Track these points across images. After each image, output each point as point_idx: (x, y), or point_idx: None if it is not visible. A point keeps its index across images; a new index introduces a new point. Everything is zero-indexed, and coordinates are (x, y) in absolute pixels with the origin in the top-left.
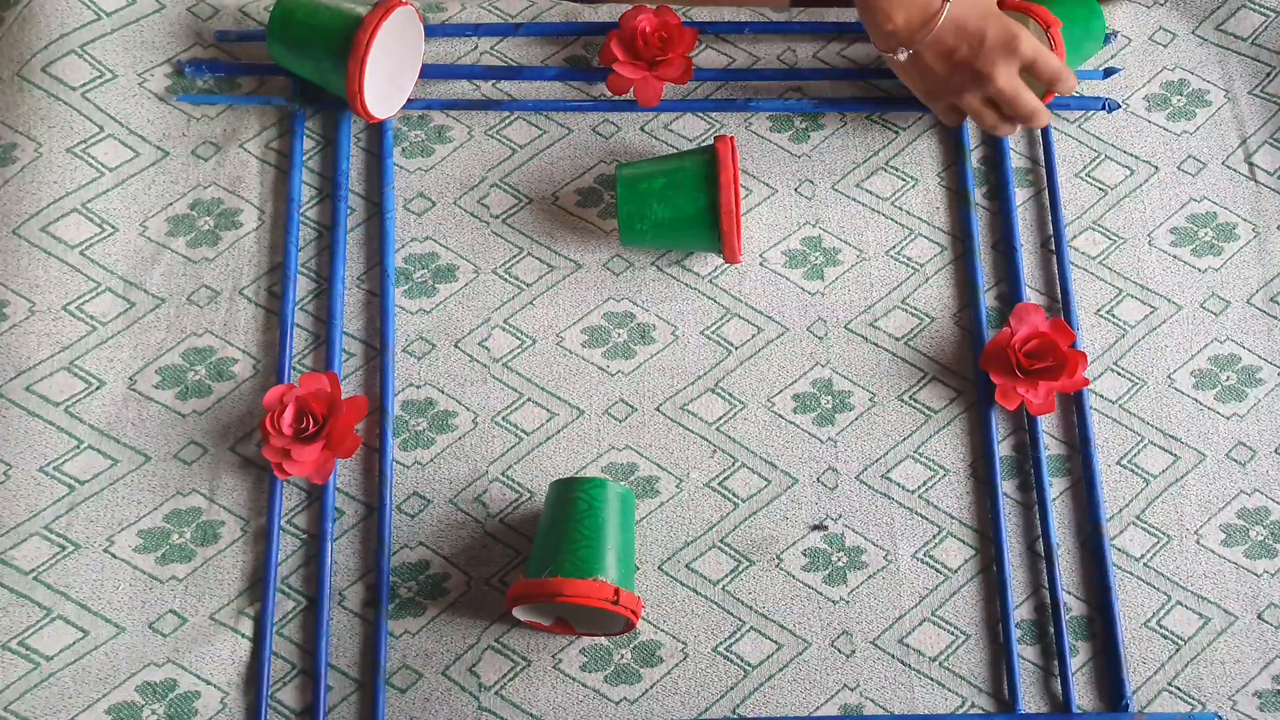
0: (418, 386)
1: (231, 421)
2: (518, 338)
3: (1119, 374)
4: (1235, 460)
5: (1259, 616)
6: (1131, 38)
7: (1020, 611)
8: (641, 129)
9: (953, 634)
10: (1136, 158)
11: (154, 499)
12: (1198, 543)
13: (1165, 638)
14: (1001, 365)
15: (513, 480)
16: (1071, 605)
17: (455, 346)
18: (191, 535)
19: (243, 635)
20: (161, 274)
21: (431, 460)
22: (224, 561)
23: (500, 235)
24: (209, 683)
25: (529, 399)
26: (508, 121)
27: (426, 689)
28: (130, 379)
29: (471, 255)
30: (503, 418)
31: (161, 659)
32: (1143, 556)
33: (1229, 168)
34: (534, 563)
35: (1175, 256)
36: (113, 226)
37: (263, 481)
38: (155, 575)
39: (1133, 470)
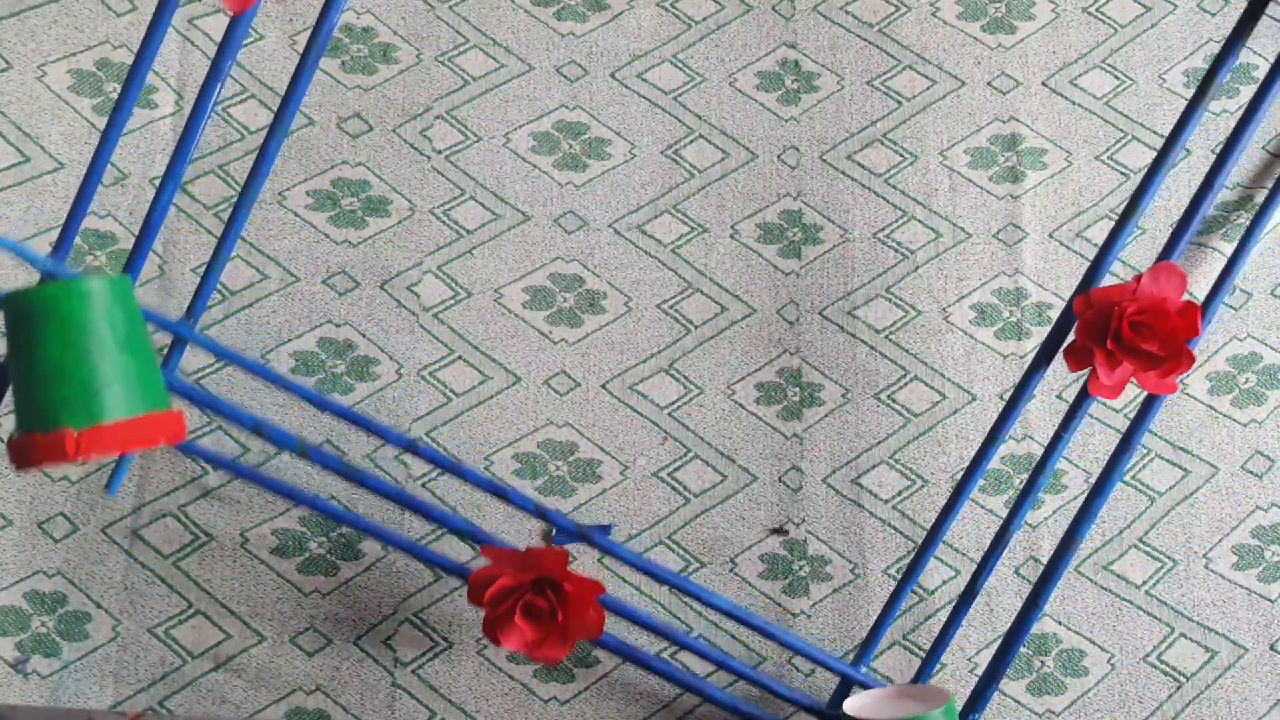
0: (337, 325)
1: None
2: (451, 288)
3: None
4: (1251, 472)
5: (1271, 648)
6: None
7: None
8: (612, 75)
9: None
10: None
11: None
12: (1206, 567)
13: (1166, 674)
14: (1095, 322)
15: (438, 443)
16: (1062, 637)
17: (381, 288)
18: None
19: (135, 559)
20: (62, 134)
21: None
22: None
23: (441, 173)
24: (100, 605)
25: (460, 356)
26: (461, 49)
27: (336, 656)
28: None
29: (408, 190)
30: (430, 373)
31: (52, 569)
32: (1144, 584)
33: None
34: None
35: (1200, 243)
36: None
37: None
38: (47, 472)
39: (1136, 487)
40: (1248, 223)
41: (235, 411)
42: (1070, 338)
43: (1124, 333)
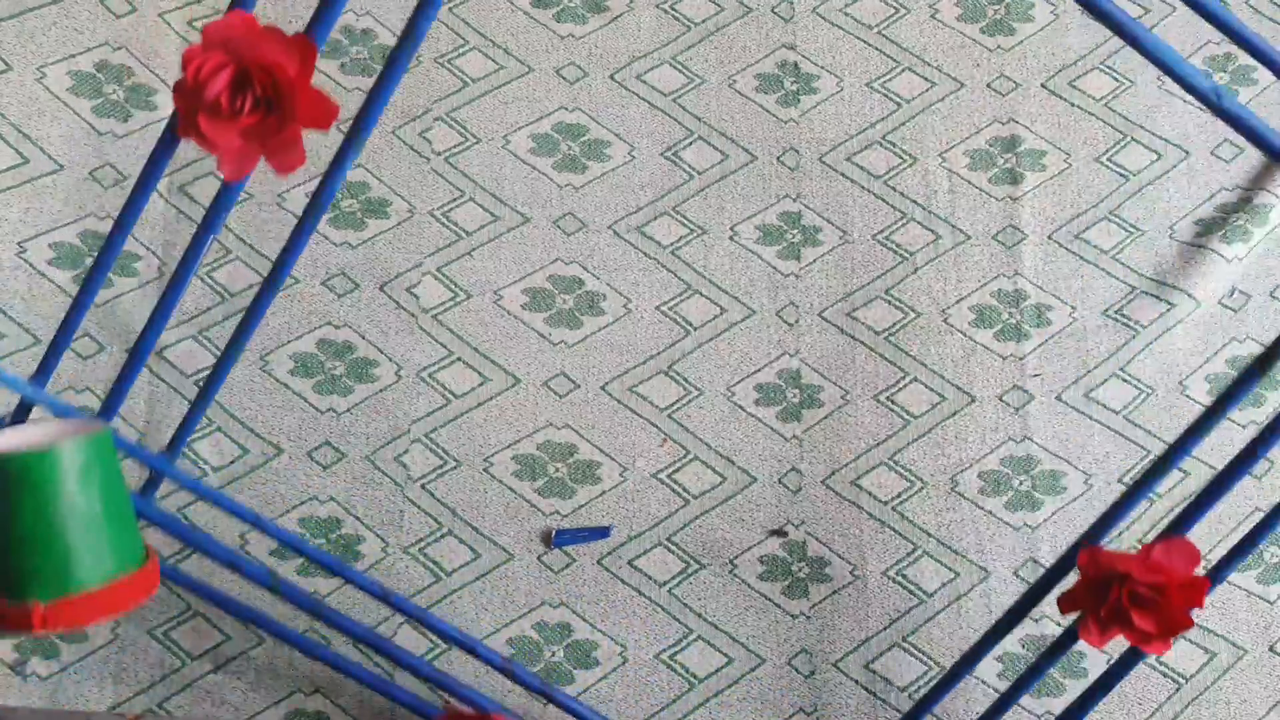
0: (336, 326)
1: (132, 322)
2: (451, 289)
3: (1125, 380)
4: (1251, 474)
5: (1271, 650)
6: None
7: (1005, 644)
8: (611, 77)
9: (926, 664)
10: (1165, 137)
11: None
12: (1205, 568)
13: (1165, 675)
14: (1096, 581)
15: (437, 444)
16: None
17: (381, 289)
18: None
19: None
20: (61, 136)
21: (348, 410)
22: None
23: (441, 174)
24: None
25: (460, 358)
26: (461, 51)
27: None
28: (19, 245)
29: (407, 192)
30: (429, 374)
31: None
32: None
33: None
34: None
35: (1200, 245)
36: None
37: (160, 393)
38: None
39: None
40: (1247, 224)
41: (212, 544)
42: (1069, 579)
43: (1123, 604)
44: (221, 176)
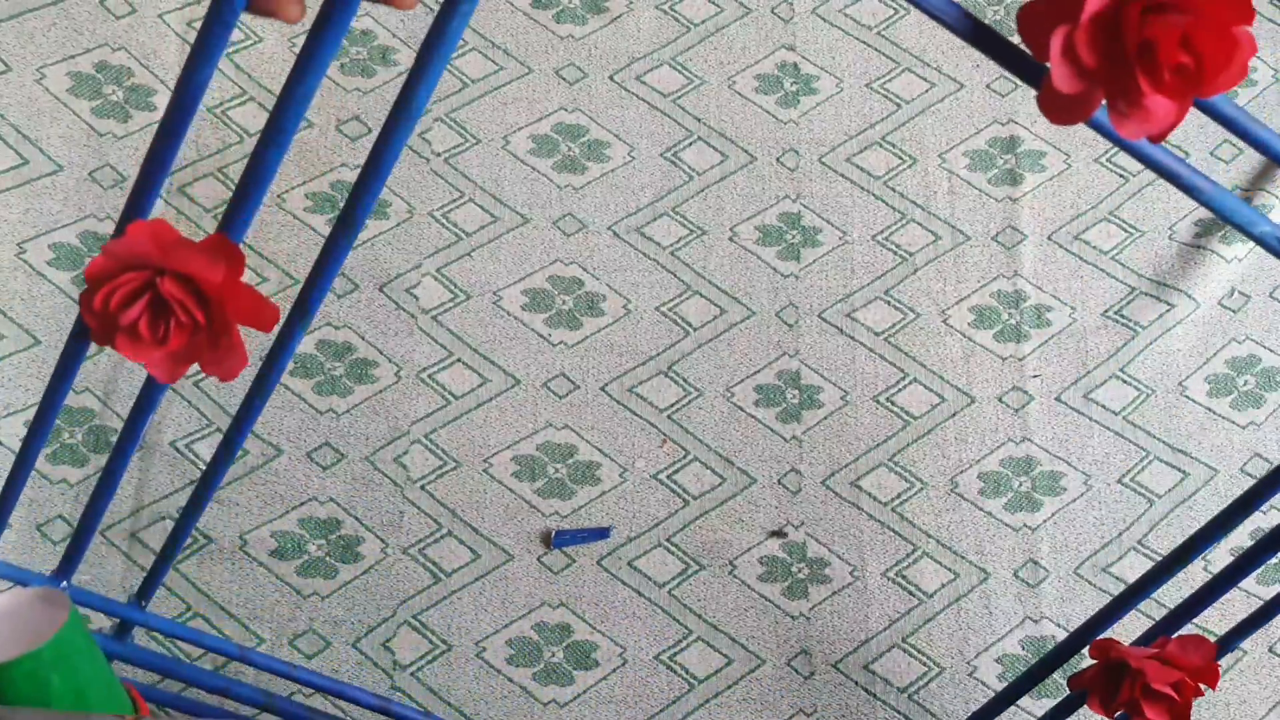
0: (336, 327)
1: None
2: (450, 290)
3: (1124, 381)
4: (1250, 475)
5: (1270, 650)
6: None
7: (1004, 645)
8: (611, 78)
9: (925, 665)
10: (1165, 141)
11: (42, 388)
12: (1205, 569)
13: None
14: (1109, 670)
15: (436, 445)
16: (1061, 639)
17: (380, 290)
18: (84, 437)
19: (134, 561)
20: (61, 136)
21: (348, 411)
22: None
23: (440, 175)
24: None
25: (459, 359)
26: (460, 52)
27: (335, 659)
28: (19, 245)
29: (406, 193)
30: (429, 375)
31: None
32: None
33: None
34: None
35: (1199, 246)
36: (4, 64)
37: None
38: (46, 475)
39: (1134, 489)
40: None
41: (199, 674)
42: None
43: (1135, 696)
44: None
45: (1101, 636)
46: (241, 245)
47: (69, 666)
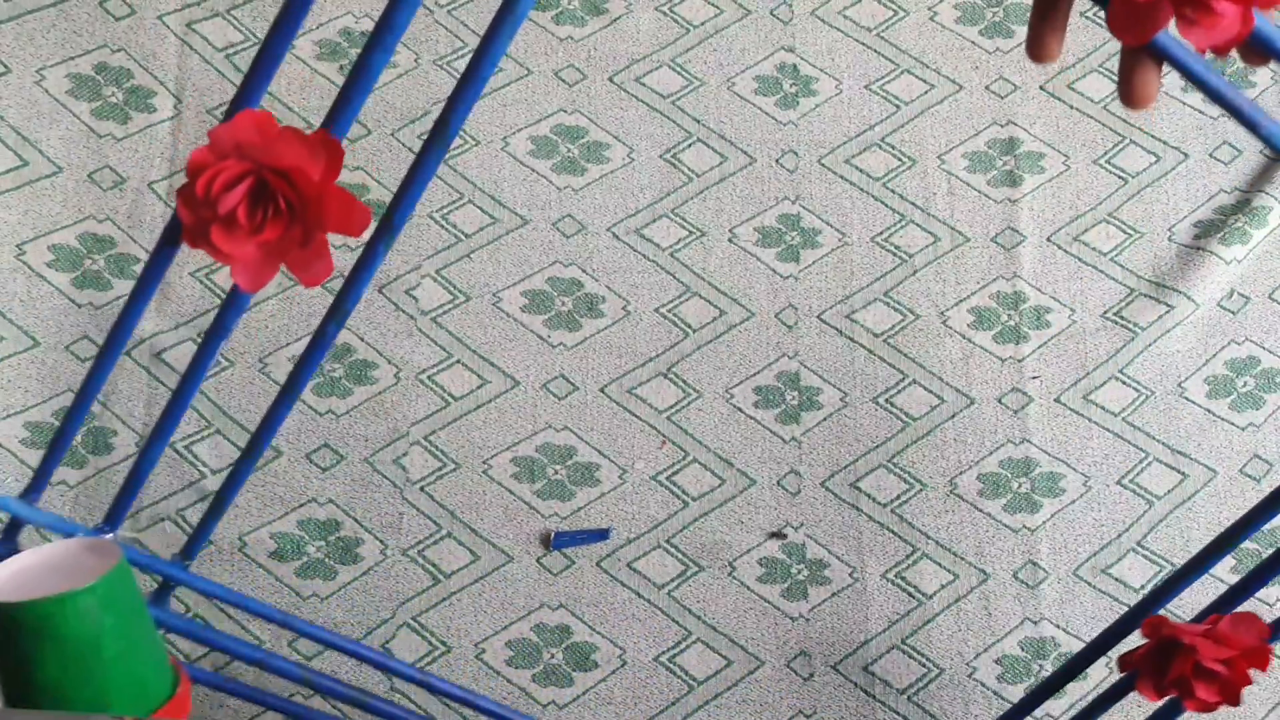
0: None
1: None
2: (450, 291)
3: (1124, 383)
4: (1250, 476)
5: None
6: None
7: (1003, 646)
8: (610, 79)
9: (925, 666)
10: (1164, 140)
11: (42, 390)
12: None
13: None
14: (1159, 650)
15: (436, 447)
16: (1060, 641)
17: (380, 291)
18: (83, 439)
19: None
20: (60, 138)
21: (347, 412)
22: (116, 476)
23: (440, 176)
24: None
25: (459, 360)
26: (460, 53)
27: (334, 660)
28: (18, 247)
29: None
30: (428, 377)
31: None
32: (1142, 588)
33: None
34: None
35: (1198, 247)
36: (3, 66)
37: (159, 396)
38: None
39: (1134, 491)
40: (1246, 226)
41: (236, 645)
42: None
43: (1185, 675)
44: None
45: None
46: None
47: (121, 608)
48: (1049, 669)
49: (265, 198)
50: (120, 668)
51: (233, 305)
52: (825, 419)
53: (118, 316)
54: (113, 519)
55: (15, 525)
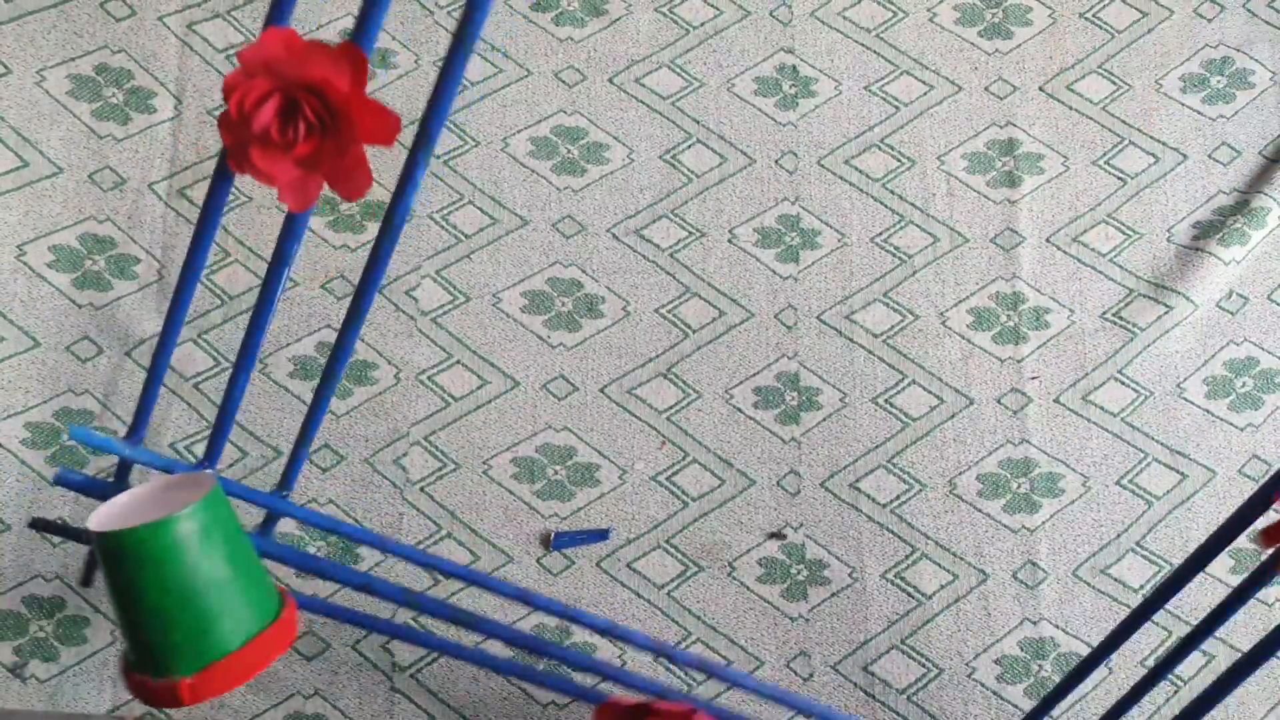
0: (335, 329)
1: (132, 325)
2: (450, 292)
3: (1123, 383)
4: (1249, 476)
5: None
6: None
7: (1003, 646)
8: (610, 80)
9: (924, 666)
10: (1163, 141)
11: (42, 390)
12: (1204, 571)
13: (1168, 679)
14: None
15: (436, 447)
16: (1060, 640)
17: (380, 292)
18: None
19: None
20: (61, 139)
21: (347, 413)
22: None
23: (440, 178)
24: (98, 610)
25: (459, 361)
26: None
27: (335, 661)
28: (19, 248)
29: None
30: (428, 377)
31: (50, 574)
32: (1141, 587)
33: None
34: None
35: (1197, 248)
36: (4, 67)
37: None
38: (47, 478)
39: (1134, 491)
40: (1244, 227)
41: (342, 571)
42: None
43: None
44: (283, 205)
45: None
46: (236, 241)
47: (215, 535)
48: (1048, 669)
49: (296, 113)
50: (219, 592)
51: (290, 233)
52: (825, 419)
53: (184, 261)
54: (211, 456)
55: (124, 466)
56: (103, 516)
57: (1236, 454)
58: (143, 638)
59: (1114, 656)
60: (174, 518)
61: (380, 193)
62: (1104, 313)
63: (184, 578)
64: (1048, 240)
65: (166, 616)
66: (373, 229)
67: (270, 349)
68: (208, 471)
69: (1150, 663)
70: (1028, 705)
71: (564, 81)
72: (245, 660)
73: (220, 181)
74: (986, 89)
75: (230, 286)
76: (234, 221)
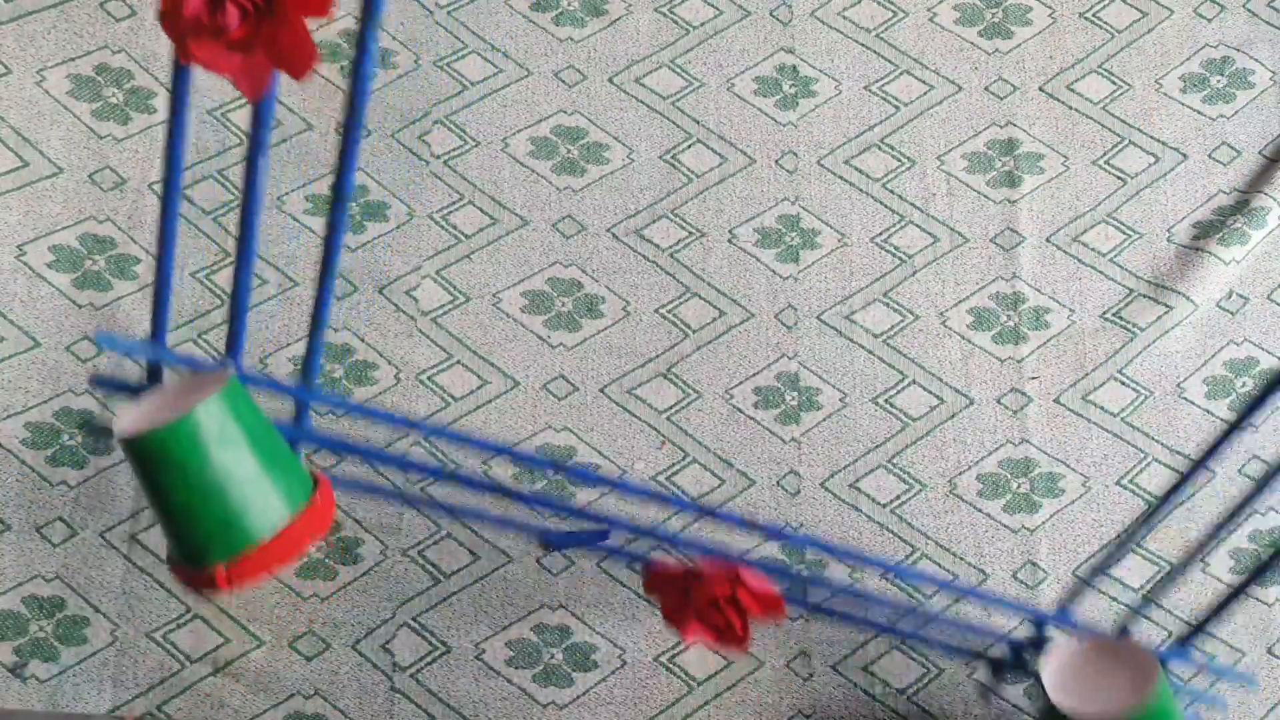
0: (335, 330)
1: (132, 325)
2: (450, 292)
3: (1123, 383)
4: (1248, 477)
5: (1269, 652)
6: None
7: (1003, 646)
8: (610, 80)
9: (924, 666)
10: (1163, 140)
11: (42, 390)
12: (1204, 571)
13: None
14: None
15: (436, 447)
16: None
17: (380, 292)
18: (84, 441)
19: (134, 563)
20: (61, 139)
21: (348, 412)
22: (118, 476)
23: (440, 177)
24: (98, 610)
25: (459, 361)
26: (460, 54)
27: (335, 660)
28: (19, 248)
29: (406, 195)
30: (428, 378)
31: (50, 574)
32: (1141, 588)
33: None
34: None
35: (1197, 248)
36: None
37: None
38: (46, 477)
39: (1133, 491)
40: (1244, 227)
41: (374, 450)
42: None
43: None
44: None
45: None
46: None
47: (232, 430)
48: None
49: None
50: (247, 480)
51: (258, 119)
52: (825, 419)
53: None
54: (231, 350)
55: (155, 371)
56: (127, 420)
57: (1236, 454)
58: (176, 531)
59: None
60: (186, 416)
61: (379, 192)
62: (1104, 313)
63: (207, 472)
64: (1048, 240)
65: (195, 512)
66: (373, 228)
67: (270, 349)
68: (229, 364)
69: None
70: (1027, 705)
71: (564, 81)
72: (280, 545)
73: (178, 76)
74: (986, 89)
75: (229, 286)
76: (234, 222)
